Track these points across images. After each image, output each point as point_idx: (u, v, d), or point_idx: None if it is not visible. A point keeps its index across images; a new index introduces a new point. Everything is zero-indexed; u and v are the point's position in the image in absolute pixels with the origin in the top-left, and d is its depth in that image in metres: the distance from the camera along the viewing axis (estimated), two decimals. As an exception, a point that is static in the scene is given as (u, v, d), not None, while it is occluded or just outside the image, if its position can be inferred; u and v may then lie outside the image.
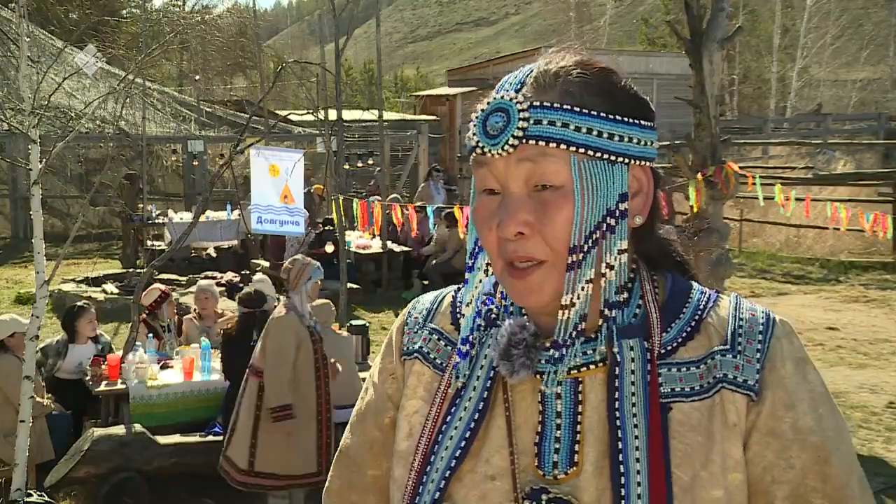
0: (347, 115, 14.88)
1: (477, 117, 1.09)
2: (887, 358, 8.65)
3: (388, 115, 19.49)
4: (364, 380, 1.32)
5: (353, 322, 7.22)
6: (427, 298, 1.29)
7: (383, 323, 10.12)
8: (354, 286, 10.62)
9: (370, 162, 17.21)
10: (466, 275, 1.17)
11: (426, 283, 11.63)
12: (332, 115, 10.37)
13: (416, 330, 1.24)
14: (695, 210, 6.37)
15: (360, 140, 19.32)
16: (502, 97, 1.07)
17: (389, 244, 11.97)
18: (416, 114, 24.66)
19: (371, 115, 15.43)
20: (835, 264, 13.33)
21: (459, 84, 24.32)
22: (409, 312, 1.28)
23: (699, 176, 6.30)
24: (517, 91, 1.07)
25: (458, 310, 1.22)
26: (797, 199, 10.37)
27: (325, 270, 10.31)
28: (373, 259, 11.92)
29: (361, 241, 12.15)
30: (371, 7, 17.68)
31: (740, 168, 7.13)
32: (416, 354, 1.22)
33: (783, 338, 1.09)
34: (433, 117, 22.78)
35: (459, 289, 1.23)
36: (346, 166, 13.16)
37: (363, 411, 1.29)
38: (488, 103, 1.08)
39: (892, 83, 42.02)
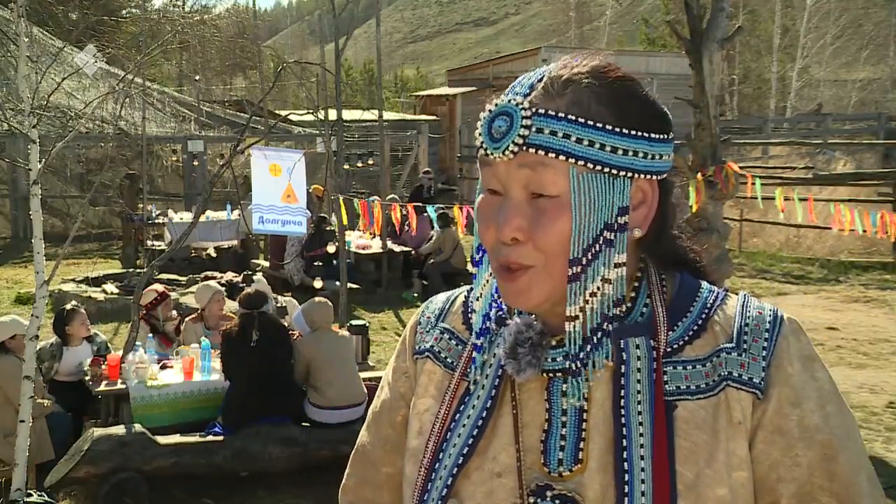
0: (347, 115, 14.85)
1: (484, 117, 1.07)
2: (887, 358, 8.65)
3: (388, 115, 19.49)
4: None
5: (353, 322, 7.21)
6: (440, 298, 1.29)
7: (383, 323, 10.12)
8: (354, 286, 10.62)
9: (370, 162, 17.22)
10: (473, 270, 1.17)
11: (426, 283, 11.64)
12: (332, 115, 10.37)
13: (427, 329, 1.26)
14: (694, 210, 6.37)
15: (360, 140, 19.33)
16: (510, 101, 1.05)
17: (389, 244, 11.97)
18: (416, 114, 24.66)
19: (371, 115, 15.43)
20: (835, 264, 13.32)
21: (459, 84, 24.29)
22: (422, 312, 1.29)
23: (699, 176, 6.31)
24: (525, 96, 1.05)
25: (469, 309, 1.23)
26: (801, 200, 10.37)
27: (325, 270, 10.39)
28: (373, 259, 11.92)
29: (361, 241, 12.15)
30: (371, 7, 17.67)
31: (740, 168, 7.14)
32: (427, 353, 1.23)
33: (790, 335, 1.08)
34: (433, 117, 22.76)
35: (472, 289, 1.23)
36: (347, 166, 13.16)
37: (378, 410, 1.30)
38: (496, 104, 1.07)
39: (892, 83, 42.06)
